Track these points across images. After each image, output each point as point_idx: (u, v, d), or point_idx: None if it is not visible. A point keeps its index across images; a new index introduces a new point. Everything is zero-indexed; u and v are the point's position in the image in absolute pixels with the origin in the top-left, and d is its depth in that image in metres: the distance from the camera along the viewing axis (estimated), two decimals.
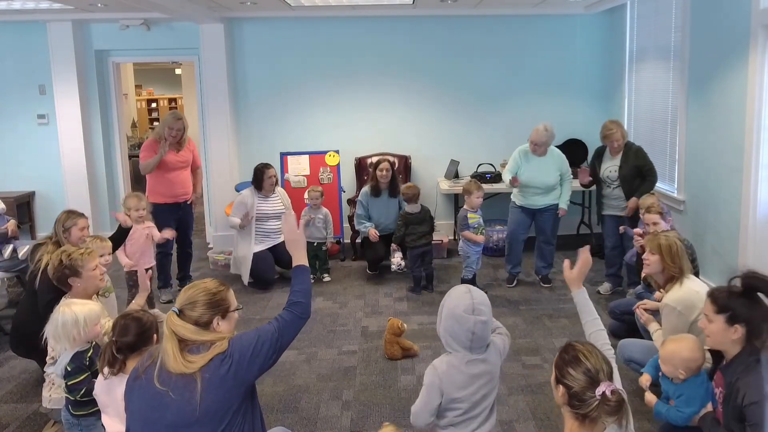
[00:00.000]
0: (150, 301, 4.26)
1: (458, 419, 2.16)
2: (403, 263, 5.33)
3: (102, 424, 2.44)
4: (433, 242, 5.45)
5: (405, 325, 4.01)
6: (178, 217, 5.22)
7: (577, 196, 6.67)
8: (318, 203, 5.65)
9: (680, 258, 3.13)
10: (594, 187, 5.29)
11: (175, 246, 5.30)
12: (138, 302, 3.12)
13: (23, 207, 6.85)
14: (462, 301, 2.15)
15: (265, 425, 2.13)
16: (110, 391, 2.35)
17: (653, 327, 3.19)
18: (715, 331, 2.35)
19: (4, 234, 4.75)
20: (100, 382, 2.40)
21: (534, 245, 5.39)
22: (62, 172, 6.75)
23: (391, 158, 6.68)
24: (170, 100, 13.93)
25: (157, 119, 13.24)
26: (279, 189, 5.67)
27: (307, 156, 6.29)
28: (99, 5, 5.69)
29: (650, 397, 2.72)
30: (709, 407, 2.48)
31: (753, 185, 4.17)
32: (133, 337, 2.34)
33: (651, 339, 3.24)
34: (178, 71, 12.64)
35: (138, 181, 6.86)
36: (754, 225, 4.20)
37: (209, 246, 6.82)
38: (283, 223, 2.39)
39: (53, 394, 2.98)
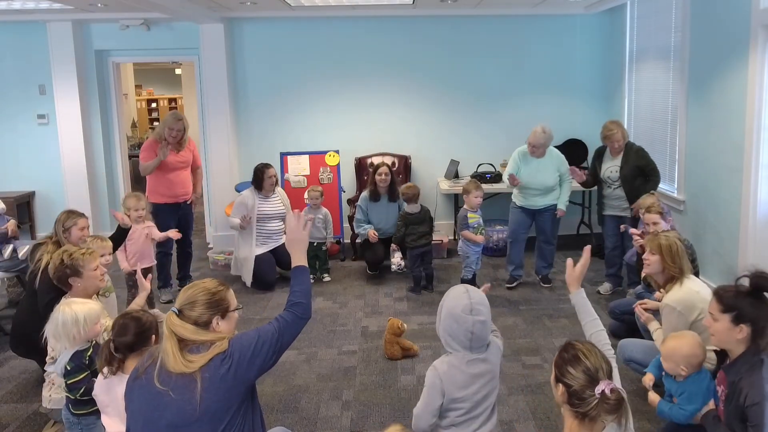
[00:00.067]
0: (150, 301, 4.26)
1: (460, 419, 2.17)
2: (402, 263, 5.32)
3: (102, 424, 2.44)
4: (432, 242, 5.45)
5: (405, 325, 4.01)
6: (178, 217, 5.22)
7: (577, 196, 6.67)
8: (318, 203, 5.66)
9: (680, 258, 3.13)
10: (594, 187, 5.29)
11: (175, 246, 5.30)
12: (138, 302, 3.12)
13: (23, 207, 6.85)
14: (460, 301, 2.15)
15: (265, 425, 2.13)
16: (110, 391, 2.34)
17: (653, 326, 3.19)
18: (720, 330, 2.35)
19: (4, 234, 4.75)
20: (99, 382, 2.40)
21: (534, 245, 5.39)
22: (62, 172, 6.75)
23: (390, 159, 6.71)
24: (170, 100, 13.93)
25: (157, 119, 13.24)
26: (279, 189, 5.66)
27: (307, 156, 6.29)
28: (99, 5, 5.69)
29: (653, 397, 2.72)
30: (711, 405, 2.48)
31: (753, 185, 4.17)
32: (131, 336, 2.34)
33: (651, 339, 3.24)
34: (178, 71, 12.64)
35: (138, 181, 6.86)
36: (754, 225, 4.20)
37: (209, 246, 6.82)
38: (290, 219, 2.34)
39: (53, 394, 2.98)
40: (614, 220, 4.92)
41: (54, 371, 2.86)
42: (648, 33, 5.88)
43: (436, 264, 5.87)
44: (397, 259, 5.29)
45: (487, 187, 5.86)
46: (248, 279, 5.37)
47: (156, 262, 4.80)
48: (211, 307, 1.99)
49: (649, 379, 2.80)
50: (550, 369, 1.91)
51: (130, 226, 4.25)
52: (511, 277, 5.30)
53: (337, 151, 6.29)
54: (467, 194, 4.92)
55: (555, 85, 6.86)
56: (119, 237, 4.17)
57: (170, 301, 5.08)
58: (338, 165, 6.29)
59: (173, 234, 4.67)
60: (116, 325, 2.39)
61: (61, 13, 6.27)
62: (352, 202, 6.43)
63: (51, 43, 6.54)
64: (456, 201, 6.61)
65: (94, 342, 2.68)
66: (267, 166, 5.45)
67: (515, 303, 4.97)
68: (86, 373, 2.59)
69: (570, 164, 5.24)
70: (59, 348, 2.74)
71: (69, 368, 2.61)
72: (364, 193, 5.71)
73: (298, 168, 6.27)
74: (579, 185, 5.35)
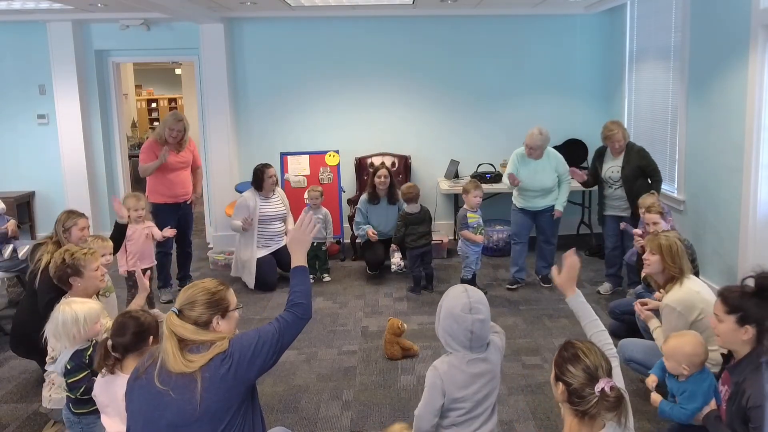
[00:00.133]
0: (150, 301, 4.27)
1: (461, 419, 2.17)
2: (402, 263, 5.32)
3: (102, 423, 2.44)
4: (432, 242, 5.45)
5: (405, 325, 4.01)
6: (178, 217, 5.22)
7: (577, 196, 6.67)
8: (318, 203, 5.65)
9: (680, 258, 3.13)
10: (594, 187, 5.29)
11: (174, 246, 5.30)
12: (137, 302, 3.12)
13: (23, 207, 6.85)
14: (459, 300, 2.15)
15: (265, 425, 2.13)
16: (110, 392, 2.35)
17: (653, 324, 3.19)
18: (725, 332, 2.34)
19: (4, 234, 4.75)
20: (99, 383, 2.40)
21: (534, 245, 5.39)
22: (62, 172, 6.75)
23: (390, 159, 6.71)
24: (170, 100, 13.93)
25: (157, 119, 13.24)
26: (278, 189, 5.66)
27: (307, 156, 6.29)
28: (99, 5, 5.69)
29: (655, 397, 2.73)
30: (713, 404, 2.48)
31: (753, 185, 4.17)
32: (129, 336, 2.34)
33: (651, 339, 3.24)
34: (178, 71, 12.64)
35: (138, 181, 6.86)
36: (754, 225, 4.20)
37: (209, 246, 6.83)
38: (299, 222, 2.34)
39: (53, 394, 2.98)
40: (615, 221, 4.92)
41: (54, 370, 2.87)
42: (648, 33, 5.88)
43: (436, 264, 5.88)
44: (396, 260, 5.29)
45: (487, 187, 5.86)
46: (251, 282, 5.36)
47: (156, 262, 4.80)
48: (211, 306, 1.99)
49: (652, 380, 2.80)
50: (550, 369, 1.91)
51: (127, 222, 4.25)
52: (512, 279, 5.29)
53: (337, 151, 6.29)
54: (467, 194, 4.92)
55: (555, 85, 6.86)
56: (118, 236, 4.16)
57: (170, 301, 5.07)
58: (338, 165, 6.29)
59: (169, 232, 4.66)
60: (115, 323, 2.39)
61: (61, 13, 6.27)
62: (352, 202, 6.43)
63: (51, 43, 6.54)
64: (456, 201, 6.61)
65: (94, 341, 2.69)
66: (267, 166, 5.45)
67: (515, 303, 4.97)
68: (86, 372, 2.59)
69: (570, 164, 5.24)
70: (59, 347, 2.74)
71: (69, 367, 2.61)
72: (364, 196, 5.71)
73: (298, 168, 6.27)
74: (579, 185, 5.34)
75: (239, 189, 6.32)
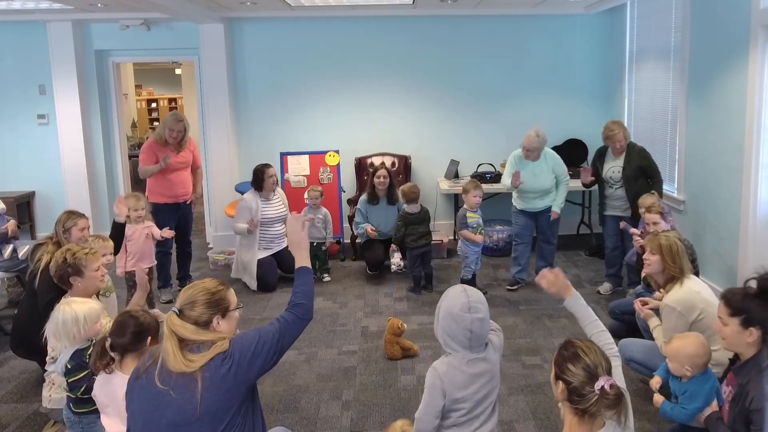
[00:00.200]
0: (150, 301, 4.27)
1: (462, 419, 2.16)
2: (402, 263, 5.32)
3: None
4: (432, 242, 5.45)
5: (405, 325, 4.01)
6: (178, 217, 5.22)
7: (577, 196, 6.67)
8: (318, 203, 5.66)
9: (681, 258, 3.13)
10: (594, 187, 5.29)
11: (174, 246, 5.30)
12: (136, 300, 3.12)
13: (23, 207, 6.85)
14: (458, 300, 2.15)
15: (265, 425, 2.13)
16: (110, 392, 2.35)
17: (653, 322, 3.20)
18: (730, 334, 2.33)
19: (4, 234, 4.75)
20: (99, 383, 2.40)
21: (534, 245, 5.39)
22: (62, 172, 6.75)
23: (390, 159, 6.71)
24: (170, 100, 13.93)
25: (157, 119, 13.24)
26: (279, 190, 5.65)
27: (307, 156, 6.29)
28: (99, 5, 5.69)
29: (658, 397, 2.74)
30: (714, 406, 2.48)
31: (753, 185, 4.17)
32: (128, 336, 2.34)
33: (652, 339, 3.24)
34: (178, 71, 12.64)
35: (138, 182, 6.85)
36: (754, 225, 4.20)
37: (209, 246, 6.83)
38: (288, 224, 2.39)
39: (53, 394, 2.98)
40: (615, 221, 4.91)
41: (54, 370, 2.87)
42: (648, 33, 5.88)
43: (436, 264, 5.88)
44: (396, 259, 5.29)
45: (487, 187, 5.86)
46: (252, 283, 5.35)
47: (156, 262, 4.80)
48: (211, 306, 1.99)
49: (656, 381, 2.80)
50: (550, 369, 1.92)
51: (125, 222, 4.24)
52: (513, 280, 5.29)
53: (337, 151, 6.29)
54: (466, 194, 4.92)
55: (555, 85, 6.86)
56: (118, 236, 4.16)
57: (170, 301, 5.07)
58: (338, 165, 6.29)
59: (168, 233, 4.66)
60: (115, 323, 2.40)
61: (61, 13, 6.27)
62: (352, 202, 6.43)
63: (51, 43, 6.54)
64: (456, 201, 6.61)
65: (94, 341, 2.69)
66: (267, 166, 5.43)
67: (515, 303, 4.97)
68: (87, 372, 2.59)
69: (570, 165, 5.24)
70: (59, 347, 2.74)
71: (69, 367, 2.62)
72: (363, 196, 5.71)
73: (298, 168, 6.27)
74: (580, 185, 5.34)
75: (239, 189, 6.32)
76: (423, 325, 4.50)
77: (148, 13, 6.22)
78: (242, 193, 5.73)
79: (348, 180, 6.79)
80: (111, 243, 3.77)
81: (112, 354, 2.36)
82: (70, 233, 3.65)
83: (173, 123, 5.05)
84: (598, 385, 1.73)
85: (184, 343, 1.92)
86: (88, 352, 2.63)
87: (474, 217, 4.90)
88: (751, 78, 4.11)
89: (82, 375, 2.59)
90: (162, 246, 4.98)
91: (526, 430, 3.16)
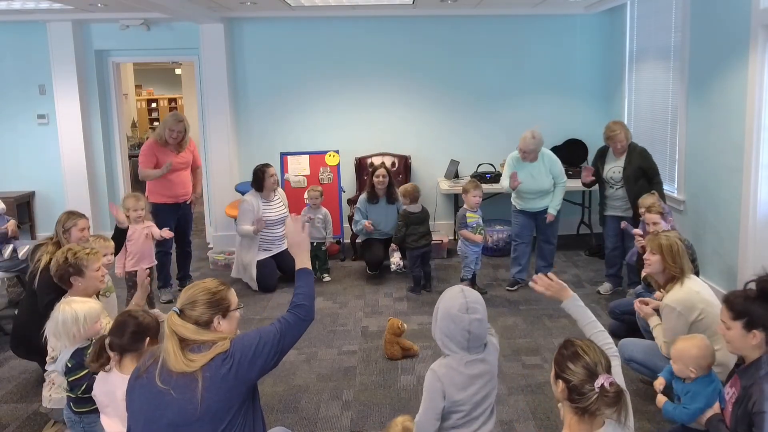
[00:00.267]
0: (150, 301, 4.27)
1: (460, 421, 2.16)
2: (402, 263, 5.32)
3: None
4: (432, 242, 5.45)
5: (405, 325, 4.01)
6: (178, 217, 5.22)
7: (577, 196, 6.67)
8: (318, 203, 5.66)
9: (681, 258, 3.13)
10: (594, 188, 5.28)
11: (174, 246, 5.30)
12: (136, 301, 3.12)
13: (23, 207, 6.85)
14: (456, 301, 2.14)
15: (265, 425, 2.13)
16: (109, 392, 2.35)
17: (653, 321, 3.20)
18: (734, 338, 2.33)
19: (4, 234, 4.75)
20: (98, 382, 2.40)
21: (534, 245, 5.39)
22: (62, 172, 6.75)
23: (390, 159, 6.71)
24: (170, 100, 13.93)
25: (157, 119, 13.24)
26: (279, 190, 5.63)
27: (307, 156, 6.29)
28: (99, 5, 5.69)
29: (661, 398, 2.75)
30: (716, 408, 2.48)
31: (753, 185, 4.17)
32: (127, 336, 2.34)
33: (652, 338, 3.24)
34: (178, 71, 12.64)
35: (138, 181, 6.86)
36: (754, 225, 4.20)
37: (209, 246, 6.83)
38: (287, 225, 2.39)
39: (53, 394, 2.98)
40: (616, 221, 4.90)
41: (55, 369, 2.87)
42: (648, 33, 5.88)
43: (436, 264, 5.89)
44: (396, 259, 5.29)
45: (487, 187, 5.86)
46: (253, 284, 5.35)
47: (156, 262, 4.79)
48: (212, 306, 2.00)
49: (660, 383, 2.81)
50: (550, 369, 1.92)
51: (127, 226, 4.25)
52: (513, 280, 5.28)
53: (337, 151, 6.29)
54: (466, 194, 4.92)
55: (555, 85, 6.86)
56: (119, 238, 4.17)
57: (170, 301, 5.07)
58: (338, 165, 6.29)
59: (166, 233, 4.65)
60: (115, 322, 2.40)
61: (61, 13, 6.27)
62: (352, 202, 6.43)
63: (51, 43, 6.54)
64: (456, 201, 6.61)
65: (94, 340, 2.69)
66: (267, 165, 5.42)
67: (515, 303, 4.97)
68: (87, 370, 2.59)
69: (570, 165, 5.24)
70: (59, 347, 2.74)
71: (70, 365, 2.62)
72: (363, 196, 5.71)
73: (298, 168, 6.27)
74: (581, 185, 5.34)
75: (239, 189, 6.32)
76: (423, 325, 4.50)
77: (148, 13, 6.22)
78: (242, 193, 5.73)
79: (348, 180, 6.80)
80: (112, 243, 3.78)
81: (110, 353, 2.36)
82: (70, 233, 3.65)
83: (173, 123, 5.04)
84: (597, 383, 1.74)
85: (184, 343, 1.92)
86: (89, 351, 2.63)
87: (474, 217, 4.90)
88: (751, 78, 4.11)
89: (82, 374, 2.59)
90: (162, 246, 4.97)
91: (526, 430, 3.16)
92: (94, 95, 6.81)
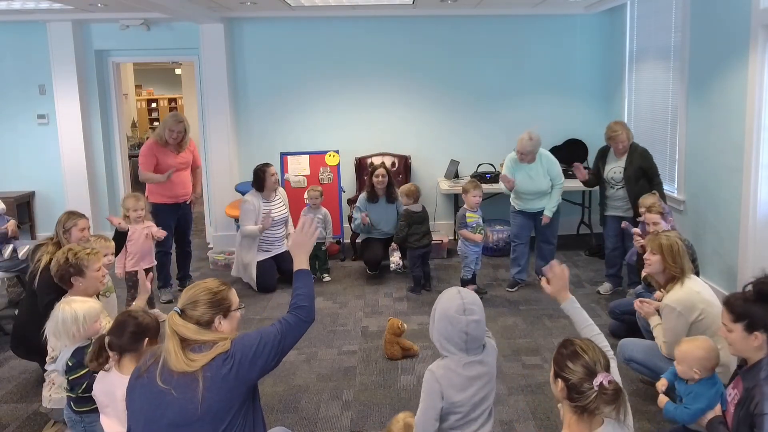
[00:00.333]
0: (150, 301, 4.27)
1: (459, 423, 2.15)
2: (401, 263, 5.32)
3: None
4: (432, 242, 5.45)
5: (405, 325, 4.01)
6: (178, 217, 5.22)
7: (577, 196, 6.67)
8: (317, 203, 5.65)
9: (681, 258, 3.13)
10: (596, 188, 5.28)
11: (174, 246, 5.29)
12: (138, 304, 3.12)
13: (23, 207, 6.85)
14: (453, 302, 2.14)
15: (266, 426, 2.13)
16: (108, 392, 2.35)
17: (654, 321, 3.20)
18: (736, 340, 2.34)
19: (4, 234, 4.75)
20: (98, 382, 2.40)
21: (533, 245, 5.39)
22: (62, 172, 6.74)
23: (390, 159, 6.71)
24: (170, 100, 13.93)
25: (157, 119, 13.25)
26: (280, 190, 5.63)
27: (307, 156, 6.29)
28: (99, 5, 5.69)
29: (662, 398, 2.76)
30: (717, 410, 2.48)
31: (753, 185, 4.17)
32: (126, 336, 2.34)
33: (652, 338, 3.24)
34: (178, 71, 12.64)
35: (138, 181, 6.87)
36: (754, 225, 4.20)
37: (209, 246, 6.83)
38: (300, 222, 2.38)
39: (53, 394, 2.98)
40: (616, 221, 4.90)
41: (55, 369, 2.87)
42: (648, 33, 5.88)
43: (436, 264, 5.89)
44: (396, 259, 5.28)
45: (487, 187, 5.86)
46: (253, 284, 5.35)
47: (156, 262, 4.79)
48: (213, 306, 2.00)
49: (662, 384, 2.81)
50: (550, 369, 1.93)
51: (128, 230, 4.25)
52: (513, 281, 5.28)
53: (337, 151, 6.29)
54: (466, 194, 4.92)
55: (555, 85, 6.86)
56: (119, 240, 4.17)
57: (170, 301, 5.08)
58: (338, 165, 6.29)
59: (160, 233, 4.63)
60: (115, 322, 2.40)
61: (61, 13, 6.27)
62: (352, 202, 6.43)
63: (51, 43, 6.54)
64: (456, 201, 6.61)
65: (94, 339, 2.69)
66: (267, 165, 5.40)
67: (515, 303, 4.97)
68: (88, 369, 2.59)
69: (570, 165, 5.23)
70: (59, 346, 2.75)
71: (71, 364, 2.62)
72: (362, 195, 5.71)
73: (298, 168, 6.27)
74: (581, 185, 5.34)
75: (239, 189, 6.32)
76: (423, 325, 4.50)
77: (148, 13, 6.22)
78: (242, 194, 5.73)
79: (348, 180, 6.80)
80: (112, 243, 3.78)
81: (110, 353, 2.36)
82: (70, 234, 3.65)
83: (173, 124, 5.04)
84: (596, 382, 1.75)
85: (185, 343, 1.92)
86: (89, 350, 2.64)
87: (474, 217, 4.90)
88: (751, 78, 4.11)
89: (83, 372, 2.59)
90: (162, 246, 4.97)
91: (526, 430, 3.16)
92: (94, 95, 6.81)
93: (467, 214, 4.90)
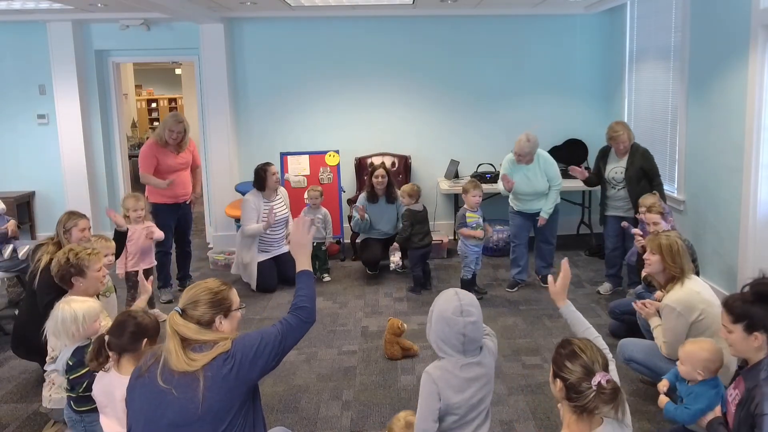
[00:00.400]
0: (150, 301, 4.27)
1: (456, 424, 2.14)
2: (401, 262, 5.32)
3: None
4: (432, 242, 5.46)
5: (405, 325, 4.01)
6: (178, 217, 5.22)
7: (577, 196, 6.67)
8: (317, 203, 5.65)
9: (681, 258, 3.13)
10: (596, 187, 5.27)
11: (174, 246, 5.29)
12: (139, 305, 3.12)
13: (23, 207, 6.85)
14: (450, 304, 2.13)
15: (266, 426, 2.13)
16: (107, 392, 2.35)
17: (654, 322, 3.20)
18: (736, 341, 2.34)
19: (4, 234, 4.75)
20: (98, 383, 2.40)
21: (533, 245, 5.39)
22: (62, 172, 6.74)
23: (390, 159, 6.71)
24: (170, 100, 13.93)
25: (157, 119, 13.25)
26: (281, 189, 5.62)
27: (307, 156, 6.29)
28: (99, 5, 5.69)
29: (663, 398, 2.76)
30: (717, 411, 2.48)
31: (753, 185, 4.17)
32: (125, 337, 2.34)
33: (652, 338, 3.24)
34: (178, 71, 12.64)
35: (138, 181, 6.87)
36: (754, 225, 4.20)
37: (209, 246, 6.83)
38: (294, 225, 2.39)
39: (53, 394, 2.98)
40: (616, 221, 4.90)
41: (55, 369, 2.87)
42: (648, 33, 5.88)
43: (436, 264, 5.89)
44: (396, 258, 5.28)
45: (487, 187, 5.85)
46: (253, 283, 5.35)
47: (156, 262, 4.80)
48: (214, 306, 2.00)
49: (663, 384, 2.82)
50: (550, 369, 1.93)
51: (126, 229, 4.25)
52: (512, 281, 5.28)
53: (337, 151, 6.29)
54: (466, 194, 4.92)
55: (555, 85, 6.86)
56: (119, 241, 4.16)
57: (170, 301, 5.08)
58: (338, 165, 6.29)
59: (158, 234, 4.63)
60: (115, 322, 2.40)
61: (61, 13, 6.27)
62: (352, 202, 6.43)
63: (51, 43, 6.54)
64: (456, 201, 6.61)
65: (93, 339, 2.69)
66: (268, 164, 5.40)
67: (515, 303, 4.97)
68: (88, 368, 2.59)
69: (569, 164, 5.23)
70: (59, 346, 2.75)
71: (71, 363, 2.62)
72: (362, 195, 5.71)
73: (298, 168, 6.27)
74: (582, 184, 5.34)
75: (239, 189, 6.32)
76: (423, 325, 4.46)
77: (148, 13, 6.22)
78: (242, 194, 5.72)
79: (348, 180, 6.80)
80: (113, 243, 3.78)
81: (109, 353, 2.36)
82: (71, 234, 3.65)
83: (173, 124, 5.04)
84: (595, 381, 1.76)
85: (186, 343, 1.92)
86: (89, 349, 2.64)
87: (474, 217, 4.90)
88: (751, 78, 4.11)
89: (83, 372, 2.60)
90: (162, 246, 4.97)
91: (526, 430, 3.16)
92: (94, 95, 6.81)
93: (467, 214, 4.90)
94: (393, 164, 6.70)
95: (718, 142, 4.61)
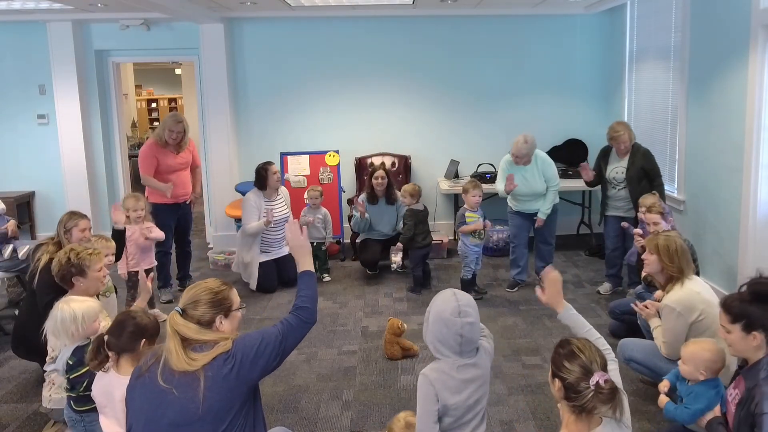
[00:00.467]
0: (150, 301, 4.27)
1: (452, 425, 2.14)
2: (402, 262, 5.32)
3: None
4: (432, 242, 5.46)
5: (405, 325, 4.02)
6: (178, 217, 5.22)
7: (577, 196, 6.67)
8: (317, 203, 5.65)
9: (679, 258, 3.12)
10: (597, 187, 5.27)
11: (174, 246, 5.29)
12: (139, 305, 3.12)
13: (23, 207, 6.85)
14: (448, 305, 2.13)
15: (266, 426, 2.13)
16: (106, 392, 2.35)
17: (654, 323, 3.20)
18: (735, 341, 2.34)
19: (4, 234, 4.75)
20: (97, 383, 2.40)
21: (532, 246, 5.39)
22: (62, 172, 6.74)
23: (390, 159, 6.71)
24: (170, 100, 13.93)
25: (157, 119, 13.24)
26: (282, 189, 5.61)
27: (307, 156, 6.29)
28: (99, 5, 5.69)
29: (663, 398, 2.76)
30: (717, 412, 2.48)
31: (753, 185, 4.17)
32: (124, 337, 2.34)
33: (652, 338, 3.24)
34: (178, 71, 12.64)
35: (138, 182, 6.87)
36: (754, 225, 4.21)
37: (209, 246, 6.83)
38: (287, 230, 2.41)
39: (53, 394, 2.98)
40: (616, 221, 4.90)
41: (55, 368, 2.87)
42: (648, 33, 5.88)
43: (436, 264, 5.89)
44: (398, 258, 5.28)
45: (487, 187, 5.84)
46: (253, 283, 5.34)
47: (156, 262, 4.79)
48: (214, 306, 2.01)
49: (664, 385, 2.82)
50: (549, 369, 1.93)
51: (124, 228, 4.25)
52: (512, 282, 5.28)
53: (337, 151, 6.29)
54: (466, 194, 4.92)
55: (555, 85, 6.86)
56: (117, 240, 4.15)
57: (170, 301, 5.08)
58: (338, 165, 6.29)
59: (158, 235, 4.63)
60: (114, 321, 2.41)
61: (61, 13, 6.27)
62: (351, 202, 6.43)
63: (51, 43, 6.54)
64: (456, 201, 6.61)
65: (93, 339, 2.69)
66: (268, 163, 5.39)
67: (515, 303, 4.97)
68: (88, 368, 2.59)
69: (569, 165, 5.23)
70: (59, 346, 2.75)
71: (71, 363, 2.62)
72: (362, 196, 5.71)
73: (298, 168, 6.27)
74: (582, 184, 5.34)
75: (239, 189, 6.32)
76: (423, 325, 4.49)
77: (148, 13, 6.22)
78: (242, 193, 5.72)
79: (348, 180, 6.80)
80: (113, 243, 3.78)
81: (108, 352, 2.36)
82: (71, 234, 3.65)
83: (173, 124, 5.04)
84: (593, 381, 1.77)
85: (187, 343, 1.92)
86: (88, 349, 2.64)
87: (474, 217, 4.89)
88: (751, 78, 4.12)
89: (83, 371, 2.59)
90: (162, 246, 4.97)
91: (526, 430, 3.16)
92: (94, 95, 6.81)
93: (467, 214, 4.90)
94: (393, 164, 6.70)
95: (718, 142, 4.61)
